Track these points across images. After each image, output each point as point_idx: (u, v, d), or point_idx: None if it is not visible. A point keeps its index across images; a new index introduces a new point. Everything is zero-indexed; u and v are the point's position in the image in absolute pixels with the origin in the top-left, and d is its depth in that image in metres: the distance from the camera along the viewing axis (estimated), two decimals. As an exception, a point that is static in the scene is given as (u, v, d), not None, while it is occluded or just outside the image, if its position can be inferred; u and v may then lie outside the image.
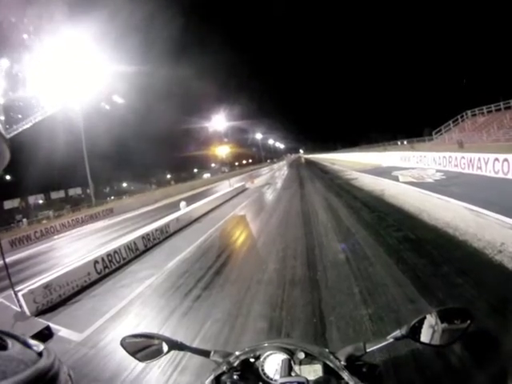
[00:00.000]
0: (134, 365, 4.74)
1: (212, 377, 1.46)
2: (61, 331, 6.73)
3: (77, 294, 9.00)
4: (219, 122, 44.81)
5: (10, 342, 0.58)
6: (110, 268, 10.70)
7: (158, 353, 1.59)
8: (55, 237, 27.85)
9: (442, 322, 1.35)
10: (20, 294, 7.81)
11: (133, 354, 1.58)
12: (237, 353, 1.54)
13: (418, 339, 1.38)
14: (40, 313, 7.91)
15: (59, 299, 8.62)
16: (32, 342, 0.63)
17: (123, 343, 1.59)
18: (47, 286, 8.39)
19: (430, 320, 1.37)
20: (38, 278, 8.66)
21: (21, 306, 7.75)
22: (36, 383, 0.50)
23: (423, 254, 7.03)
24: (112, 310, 7.35)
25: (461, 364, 3.58)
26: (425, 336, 1.37)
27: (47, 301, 8.31)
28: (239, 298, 6.70)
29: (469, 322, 1.34)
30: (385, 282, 6.01)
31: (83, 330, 6.49)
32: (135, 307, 7.37)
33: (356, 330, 4.66)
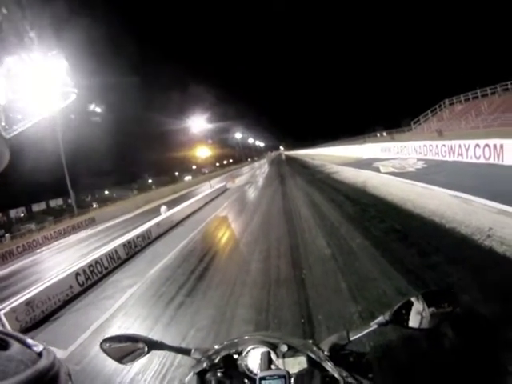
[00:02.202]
0: (119, 380, 4.62)
1: (191, 374, 1.44)
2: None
3: (60, 308, 8.67)
4: (198, 123, 44.52)
5: (10, 342, 0.56)
6: (92, 279, 10.34)
7: (138, 354, 1.54)
8: (38, 250, 27.29)
9: (427, 305, 1.30)
10: (1, 313, 7.42)
11: (113, 356, 1.54)
12: (216, 347, 1.52)
13: (402, 324, 1.34)
14: (23, 331, 7.48)
15: (42, 315, 8.26)
16: (32, 342, 0.62)
17: (103, 346, 1.54)
18: (29, 303, 8.03)
19: (415, 303, 1.33)
20: (20, 295, 8.25)
21: (3, 325, 7.28)
22: (36, 383, 0.50)
23: (411, 244, 6.82)
24: (95, 323, 7.06)
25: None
26: (410, 320, 1.33)
27: (30, 318, 7.96)
28: (223, 302, 6.43)
29: (455, 303, 1.32)
30: (373, 276, 5.76)
31: (67, 347, 6.18)
32: (118, 319, 7.09)
33: (346, 329, 4.37)
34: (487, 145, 13.12)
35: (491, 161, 12.80)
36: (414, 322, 1.31)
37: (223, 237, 12.75)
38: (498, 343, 3.45)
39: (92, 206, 61.64)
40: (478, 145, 13.81)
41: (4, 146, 0.77)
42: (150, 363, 4.75)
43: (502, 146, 12.24)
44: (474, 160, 14.09)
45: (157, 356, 4.84)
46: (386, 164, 19.84)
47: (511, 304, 3.98)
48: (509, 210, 7.09)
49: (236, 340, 1.50)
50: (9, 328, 7.22)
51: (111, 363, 4.91)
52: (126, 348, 1.54)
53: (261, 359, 1.40)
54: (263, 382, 1.23)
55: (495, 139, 12.90)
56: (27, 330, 7.62)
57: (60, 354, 5.95)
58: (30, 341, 0.62)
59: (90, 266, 10.50)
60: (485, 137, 14.43)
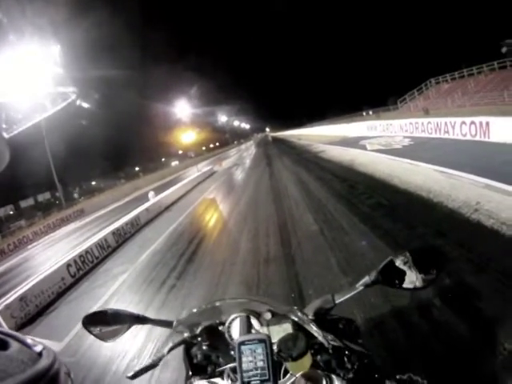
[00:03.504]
0: (115, 368, 4.58)
1: (170, 344, 1.41)
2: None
3: (54, 301, 8.60)
4: (183, 108, 44.09)
5: (10, 342, 0.56)
6: (83, 269, 10.26)
7: (119, 329, 1.51)
8: (29, 246, 26.85)
9: (414, 264, 1.24)
10: None
11: (95, 334, 1.51)
12: (195, 310, 1.48)
13: (389, 284, 1.29)
14: (19, 327, 7.45)
15: (36, 310, 8.17)
16: (32, 341, 0.62)
17: (84, 323, 1.50)
18: (22, 299, 7.94)
19: (401, 262, 1.26)
20: (13, 292, 8.14)
21: None
22: (36, 383, 0.50)
23: (398, 218, 6.85)
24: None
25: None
26: (396, 280, 1.27)
27: (25, 314, 7.86)
28: (213, 282, 6.46)
29: (442, 262, 1.30)
30: (362, 250, 5.78)
31: (62, 339, 6.12)
32: (111, 306, 6.95)
33: (331, 292, 4.39)
34: (473, 122, 13.12)
35: (477, 138, 12.82)
36: (400, 281, 1.26)
37: (211, 219, 12.74)
38: (488, 317, 3.45)
39: (80, 198, 61.02)
40: (464, 122, 13.81)
41: (4, 146, 0.78)
42: (143, 349, 4.75)
43: (488, 124, 12.27)
44: (460, 137, 14.10)
45: (151, 341, 4.84)
46: (373, 142, 19.82)
47: (500, 274, 4.00)
48: (495, 184, 7.12)
49: (217, 304, 1.45)
50: (5, 325, 7.18)
51: (106, 352, 4.94)
52: (108, 325, 1.51)
53: (240, 325, 1.37)
54: (242, 347, 1.19)
55: (481, 117, 12.91)
56: (23, 325, 7.58)
57: (56, 346, 5.93)
58: (29, 341, 0.62)
59: (80, 256, 10.40)
60: (471, 115, 14.46)
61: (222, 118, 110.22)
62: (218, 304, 1.45)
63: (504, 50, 32.80)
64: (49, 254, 18.86)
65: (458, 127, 14.29)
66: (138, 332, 5.00)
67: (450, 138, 14.91)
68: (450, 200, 6.99)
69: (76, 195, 69.62)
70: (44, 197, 64.50)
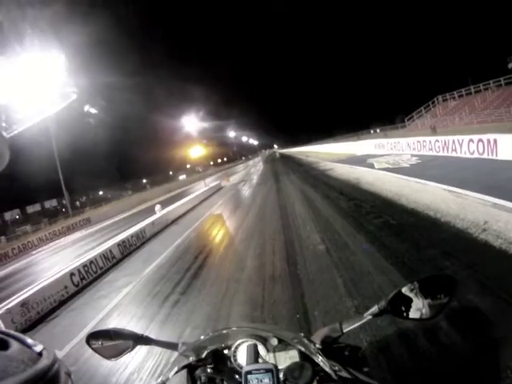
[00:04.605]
0: (115, 380, 4.58)
1: (176, 368, 1.37)
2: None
3: (55, 309, 8.61)
4: (193, 122, 44.40)
5: (10, 342, 0.56)
6: (87, 279, 10.27)
7: (124, 349, 1.52)
8: (33, 252, 27.15)
9: (423, 293, 1.22)
10: None
11: (99, 352, 1.51)
12: (203, 337, 1.48)
13: (398, 314, 1.26)
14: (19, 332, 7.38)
15: (38, 316, 8.19)
16: (32, 341, 0.62)
17: (89, 341, 1.51)
18: (24, 304, 7.95)
19: (410, 292, 1.24)
20: (15, 297, 8.19)
21: None
22: (36, 383, 0.50)
23: (405, 238, 6.79)
24: (90, 323, 7.00)
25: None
26: (405, 310, 1.24)
27: (25, 320, 7.88)
28: (218, 299, 6.38)
29: (452, 291, 1.22)
30: (368, 270, 5.71)
31: (63, 347, 6.12)
32: (113, 319, 7.03)
33: (339, 320, 4.34)
34: (481, 140, 13.11)
35: (485, 156, 12.79)
36: (409, 311, 1.24)
37: (218, 234, 12.70)
38: (496, 339, 3.40)
39: (82, 207, 61.26)
40: (471, 140, 13.79)
41: (4, 146, 0.78)
42: (144, 363, 4.71)
43: (495, 141, 12.25)
44: (467, 155, 14.06)
45: (152, 355, 4.80)
46: (381, 160, 19.79)
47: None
48: (503, 203, 7.07)
49: (224, 332, 1.46)
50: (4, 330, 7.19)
51: (107, 363, 4.88)
52: (112, 343, 1.51)
53: (247, 353, 1.36)
54: (249, 376, 1.18)
55: (489, 134, 12.89)
56: (23, 331, 7.49)
57: (56, 354, 5.91)
58: (29, 341, 0.62)
59: (84, 266, 10.41)
60: (479, 132, 14.43)
61: (231, 134, 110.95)
62: (224, 332, 1.47)
63: (511, 65, 32.91)
64: (52, 261, 19.01)
65: (465, 145, 14.26)
66: (139, 346, 4.97)
67: (457, 156, 14.88)
68: (458, 219, 6.94)
69: (78, 203, 70.01)
70: (51, 204, 64.96)
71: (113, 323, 6.79)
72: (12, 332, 0.62)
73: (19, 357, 0.53)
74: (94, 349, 1.51)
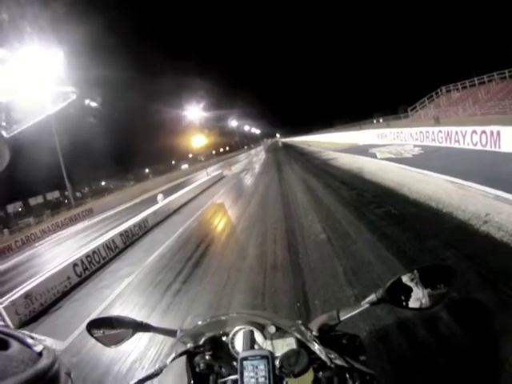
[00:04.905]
0: (117, 369, 4.60)
1: (173, 354, 1.41)
2: (44, 341, 6.32)
3: (59, 299, 8.70)
4: (195, 111, 44.30)
5: (10, 342, 0.56)
6: (90, 269, 10.35)
7: (123, 336, 1.53)
8: (36, 244, 27.25)
9: (422, 282, 1.21)
10: (1, 307, 7.39)
11: (99, 339, 1.53)
12: (200, 323, 1.47)
13: (395, 303, 1.25)
14: (23, 324, 7.55)
15: (41, 308, 8.26)
16: (32, 341, 0.62)
17: (89, 329, 1.52)
18: (28, 296, 8.02)
19: (409, 280, 1.23)
20: (18, 289, 8.27)
21: (3, 320, 7.30)
22: (36, 383, 0.50)
23: (407, 228, 6.79)
24: (92, 314, 7.03)
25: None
26: (403, 299, 1.24)
27: (29, 311, 7.95)
28: (219, 288, 6.43)
29: (452, 280, 1.21)
30: (369, 260, 5.74)
31: (65, 338, 6.17)
32: (115, 308, 7.09)
33: (336, 308, 4.37)
34: (484, 131, 13.03)
35: (488, 147, 12.72)
36: (407, 300, 1.23)
37: (220, 223, 12.74)
38: (495, 331, 3.43)
39: (85, 198, 61.27)
40: (474, 131, 13.70)
41: (4, 146, 0.80)
42: (146, 351, 4.77)
43: (498, 133, 12.17)
44: (470, 147, 13.97)
45: (154, 344, 4.86)
46: (383, 150, 19.75)
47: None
48: (505, 195, 7.06)
49: (223, 318, 1.47)
50: (9, 321, 7.31)
51: (109, 353, 4.93)
52: (112, 331, 1.52)
53: (243, 339, 1.38)
54: (245, 362, 1.21)
55: (492, 126, 12.79)
56: (27, 322, 7.65)
57: (59, 345, 5.97)
58: (30, 340, 0.62)
59: (87, 256, 10.49)
60: (482, 124, 14.35)
61: (233, 123, 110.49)
62: (222, 318, 1.47)
63: (515, 57, 32.62)
64: (55, 252, 19.12)
65: (468, 136, 14.17)
66: (141, 335, 4.99)
67: (460, 147, 14.78)
68: (460, 211, 6.94)
69: (80, 194, 70.03)
70: (53, 195, 64.91)
71: (115, 313, 6.73)
72: (12, 332, 0.62)
73: (19, 357, 0.53)
74: (93, 336, 1.52)
